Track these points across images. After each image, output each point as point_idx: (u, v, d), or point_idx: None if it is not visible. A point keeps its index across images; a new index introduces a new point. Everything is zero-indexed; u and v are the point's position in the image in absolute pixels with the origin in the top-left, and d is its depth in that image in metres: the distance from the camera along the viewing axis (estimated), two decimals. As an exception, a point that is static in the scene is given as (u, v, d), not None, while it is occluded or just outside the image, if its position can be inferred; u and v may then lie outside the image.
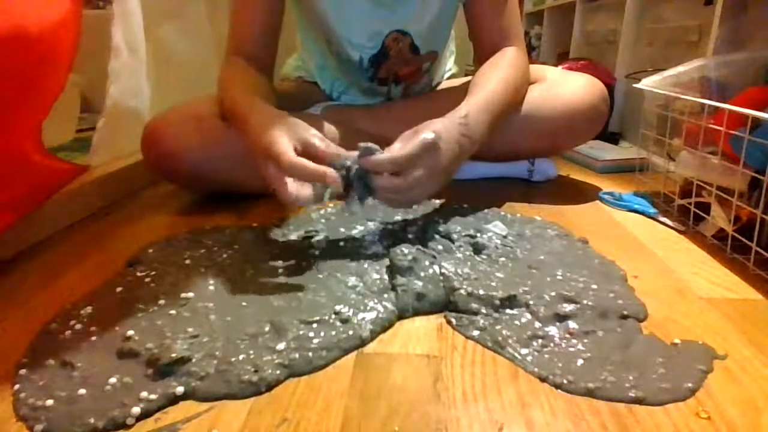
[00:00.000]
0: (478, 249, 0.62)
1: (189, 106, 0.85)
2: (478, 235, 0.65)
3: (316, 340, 0.47)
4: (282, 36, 0.89)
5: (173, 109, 0.85)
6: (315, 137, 0.61)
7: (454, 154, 0.64)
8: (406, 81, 0.98)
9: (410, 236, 0.64)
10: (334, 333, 0.48)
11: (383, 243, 0.65)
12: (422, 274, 0.55)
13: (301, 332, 0.47)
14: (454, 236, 0.65)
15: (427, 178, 0.61)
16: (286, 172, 0.57)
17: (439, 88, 1.08)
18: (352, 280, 0.55)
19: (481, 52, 0.88)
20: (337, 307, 0.51)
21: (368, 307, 0.51)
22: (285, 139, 0.59)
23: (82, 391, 0.41)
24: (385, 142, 0.93)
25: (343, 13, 0.87)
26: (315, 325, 0.48)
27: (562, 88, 0.86)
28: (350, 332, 0.48)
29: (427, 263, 0.57)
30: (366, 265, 0.58)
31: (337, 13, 0.87)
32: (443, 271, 0.56)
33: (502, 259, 0.61)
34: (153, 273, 0.59)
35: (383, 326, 0.50)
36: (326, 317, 0.50)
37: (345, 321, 0.49)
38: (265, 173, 0.60)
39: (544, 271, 0.58)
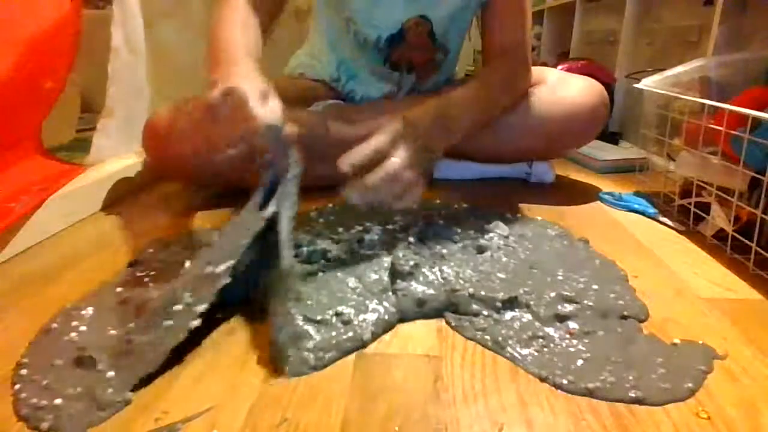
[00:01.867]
0: (481, 250, 0.62)
1: (190, 101, 0.85)
2: (480, 235, 0.65)
3: (316, 342, 0.46)
4: (286, 33, 0.89)
5: (174, 104, 0.85)
6: (271, 96, 0.59)
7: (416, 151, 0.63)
8: (418, 69, 0.98)
9: (411, 238, 0.64)
10: (335, 334, 0.47)
11: (383, 243, 0.64)
12: (423, 279, 0.55)
13: (305, 330, 0.47)
14: (456, 237, 0.65)
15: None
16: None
17: (442, 89, 1.08)
18: (353, 281, 0.55)
19: (488, 55, 0.88)
20: (339, 309, 0.50)
21: (369, 309, 0.51)
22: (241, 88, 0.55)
23: (81, 389, 0.41)
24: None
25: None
26: (316, 326, 0.48)
27: (562, 90, 0.87)
28: (351, 334, 0.48)
29: (428, 268, 0.56)
30: (366, 266, 0.58)
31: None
32: (445, 275, 0.56)
33: (504, 259, 0.61)
34: (153, 273, 0.59)
35: (384, 328, 0.50)
36: (327, 318, 0.49)
37: (346, 323, 0.49)
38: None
39: (545, 272, 0.58)
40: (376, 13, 0.89)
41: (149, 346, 0.45)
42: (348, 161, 0.58)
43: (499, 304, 0.51)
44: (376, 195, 0.59)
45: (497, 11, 0.86)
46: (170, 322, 0.46)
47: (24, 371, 0.44)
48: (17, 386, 0.42)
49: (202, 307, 0.46)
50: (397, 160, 0.60)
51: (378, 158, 0.59)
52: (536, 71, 0.93)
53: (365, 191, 0.58)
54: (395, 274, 0.55)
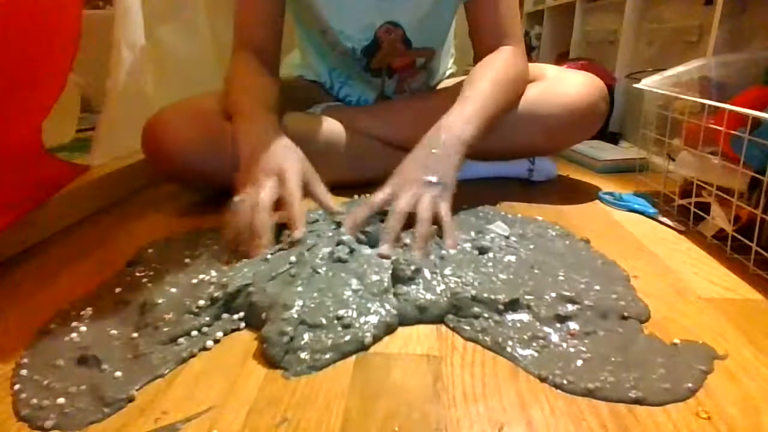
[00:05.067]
0: (483, 251, 0.61)
1: (190, 102, 0.86)
2: (480, 236, 0.65)
3: (315, 345, 0.46)
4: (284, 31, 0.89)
5: (174, 105, 0.85)
6: (318, 181, 0.68)
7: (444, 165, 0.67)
8: (399, 74, 0.98)
9: (407, 240, 0.63)
10: (335, 337, 0.47)
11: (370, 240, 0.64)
12: (424, 284, 0.54)
13: (301, 335, 0.47)
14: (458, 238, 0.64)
15: (414, 200, 0.64)
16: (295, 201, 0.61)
17: (438, 87, 1.08)
18: (355, 283, 0.54)
19: (479, 51, 0.88)
20: (340, 312, 0.49)
21: (370, 311, 0.50)
22: (297, 168, 0.65)
23: (84, 387, 0.41)
24: (385, 142, 0.95)
25: (337, 6, 0.88)
26: (315, 331, 0.48)
27: (562, 85, 0.86)
28: (352, 337, 0.47)
29: (429, 272, 0.55)
30: (367, 267, 0.57)
31: (330, 7, 0.88)
32: (446, 279, 0.55)
33: (506, 260, 0.60)
34: (152, 273, 0.59)
35: (385, 331, 0.49)
36: (327, 322, 0.48)
37: (347, 326, 0.48)
38: (253, 182, 0.62)
39: (546, 272, 0.58)
40: (346, 25, 0.90)
41: (160, 357, 0.45)
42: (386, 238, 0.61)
43: (501, 307, 0.51)
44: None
45: (482, 3, 0.86)
46: (184, 341, 0.47)
47: (24, 371, 0.44)
48: (17, 386, 0.42)
49: (219, 334, 0.49)
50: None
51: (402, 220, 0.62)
52: (535, 67, 0.93)
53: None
54: (396, 278, 0.55)
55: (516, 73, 0.83)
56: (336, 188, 0.77)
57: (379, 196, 0.66)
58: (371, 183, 0.91)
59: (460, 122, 0.71)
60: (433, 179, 0.66)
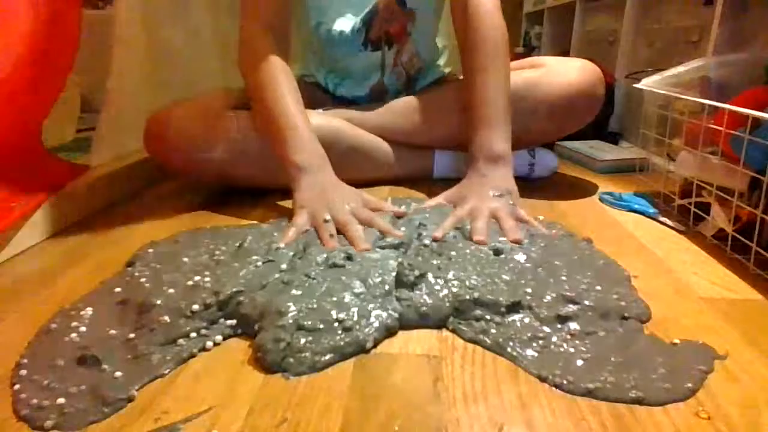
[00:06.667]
0: (497, 252, 0.61)
1: (194, 99, 0.86)
2: (496, 234, 0.65)
3: (316, 346, 0.46)
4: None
5: (178, 102, 0.86)
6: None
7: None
8: (396, 41, 0.98)
9: (426, 242, 0.62)
10: (334, 339, 0.47)
11: (393, 246, 0.63)
12: (428, 289, 0.53)
13: (299, 339, 0.46)
14: (465, 237, 0.64)
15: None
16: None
17: (431, 88, 1.07)
18: (357, 285, 0.54)
19: (453, 7, 0.88)
20: (340, 315, 0.49)
21: (372, 315, 0.50)
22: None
23: (84, 387, 0.41)
24: (384, 135, 0.94)
25: None
26: (315, 333, 0.47)
27: (563, 70, 0.89)
28: (352, 340, 0.47)
29: (433, 276, 0.55)
30: (371, 269, 0.56)
31: None
32: (450, 284, 0.54)
33: (516, 259, 0.59)
34: (151, 273, 0.59)
35: (386, 334, 0.49)
36: (327, 326, 0.48)
37: (348, 329, 0.48)
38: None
39: (549, 272, 0.57)
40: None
41: (159, 357, 0.45)
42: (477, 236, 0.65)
43: (503, 309, 0.51)
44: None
45: None
46: (183, 342, 0.47)
47: (23, 371, 0.44)
48: (17, 386, 0.42)
49: (218, 338, 0.49)
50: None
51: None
52: (535, 58, 0.96)
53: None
54: (400, 283, 0.54)
55: (500, 35, 0.83)
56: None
57: (461, 211, 0.71)
58: (375, 182, 0.92)
59: (488, 140, 0.78)
60: (499, 192, 0.74)
